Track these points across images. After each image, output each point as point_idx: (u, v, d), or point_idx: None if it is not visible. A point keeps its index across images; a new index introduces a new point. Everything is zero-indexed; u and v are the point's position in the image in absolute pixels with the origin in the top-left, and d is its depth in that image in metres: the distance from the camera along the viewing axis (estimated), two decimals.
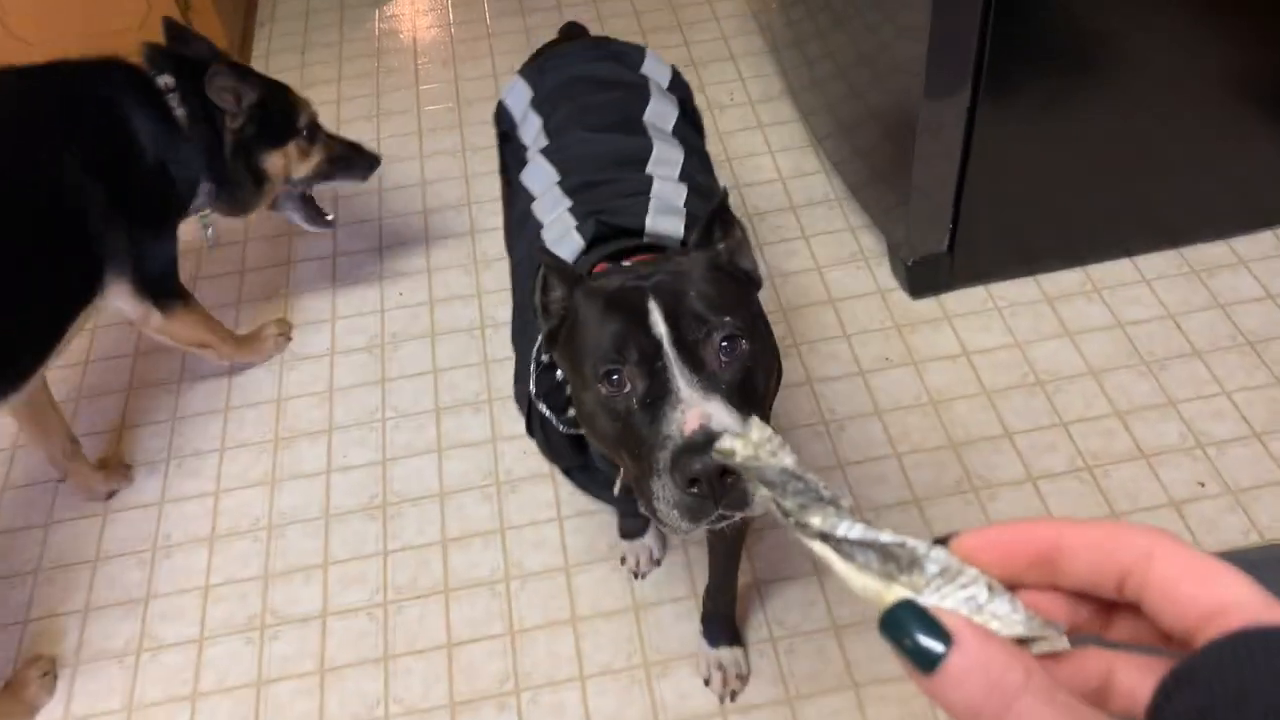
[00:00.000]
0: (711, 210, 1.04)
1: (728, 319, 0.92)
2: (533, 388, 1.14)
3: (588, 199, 1.25)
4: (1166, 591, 0.35)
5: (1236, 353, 1.82)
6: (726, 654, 1.49)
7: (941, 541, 0.39)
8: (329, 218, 1.99)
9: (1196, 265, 1.96)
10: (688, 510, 0.86)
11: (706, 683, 1.49)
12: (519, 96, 1.49)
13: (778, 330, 1.94)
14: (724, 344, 0.91)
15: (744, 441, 0.44)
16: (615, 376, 0.92)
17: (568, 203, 1.25)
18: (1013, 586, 0.38)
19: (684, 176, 1.29)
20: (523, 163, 1.39)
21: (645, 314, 0.92)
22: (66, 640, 1.62)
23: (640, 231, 1.17)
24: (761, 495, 0.43)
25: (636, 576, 1.63)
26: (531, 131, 1.44)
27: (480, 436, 1.83)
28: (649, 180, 1.25)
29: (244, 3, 2.81)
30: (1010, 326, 1.91)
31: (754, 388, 0.93)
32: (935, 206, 1.83)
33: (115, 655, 1.60)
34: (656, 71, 1.51)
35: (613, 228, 1.17)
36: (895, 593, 0.38)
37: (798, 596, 1.58)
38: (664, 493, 0.87)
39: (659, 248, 1.15)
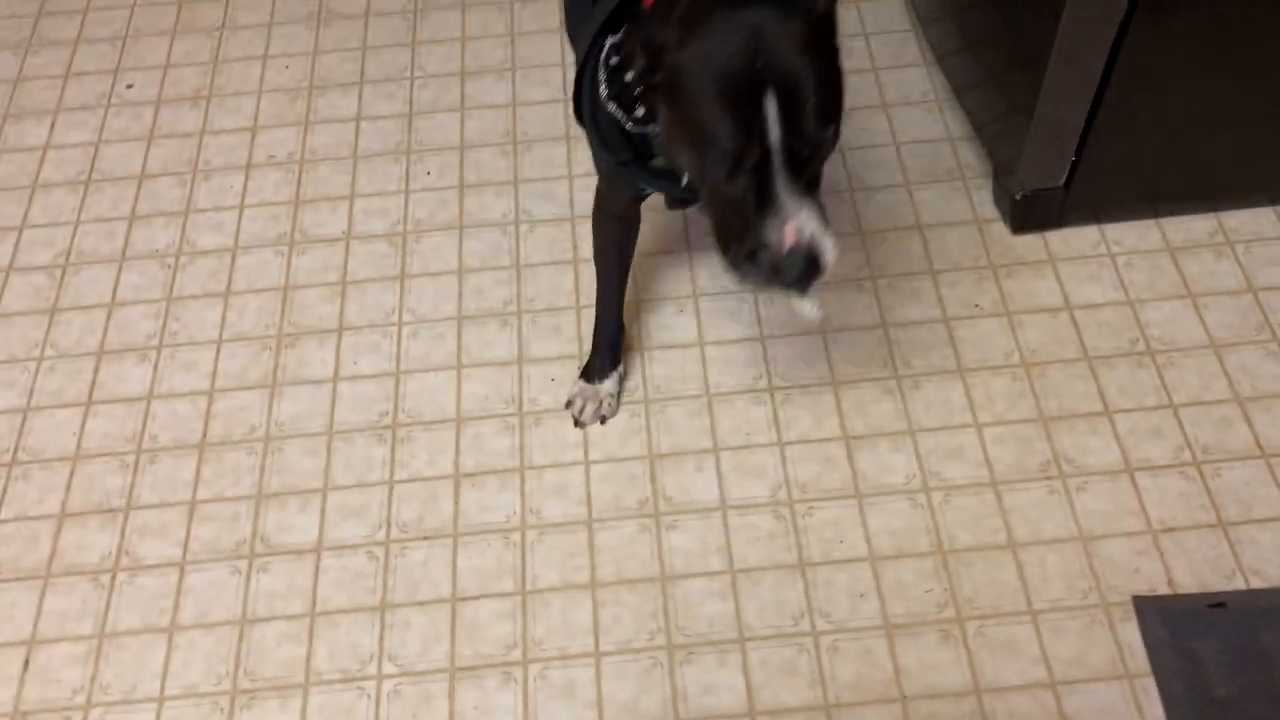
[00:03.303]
0: None
1: (832, 128, 0.97)
2: (604, 90, 1.11)
3: None
4: None
5: None
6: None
7: None
8: None
9: None
10: (756, 280, 1.03)
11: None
12: None
13: (853, 259, 1.69)
14: (820, 150, 0.98)
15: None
16: (731, 175, 0.97)
17: None
18: None
19: None
20: None
21: (762, 117, 0.94)
22: (39, 548, 1.48)
23: None
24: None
25: (576, 424, 1.55)
26: None
27: (506, 355, 1.62)
28: None
29: None
30: (1124, 279, 1.65)
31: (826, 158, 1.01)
32: (1060, 136, 1.54)
33: (90, 571, 1.46)
34: None
35: None
36: None
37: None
38: (743, 264, 1.02)
39: None
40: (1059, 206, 1.65)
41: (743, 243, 0.99)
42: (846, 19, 2.01)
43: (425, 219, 1.78)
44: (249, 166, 1.87)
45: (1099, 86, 1.47)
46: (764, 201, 0.96)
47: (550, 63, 1.98)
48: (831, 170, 1.80)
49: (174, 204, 1.84)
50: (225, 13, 2.11)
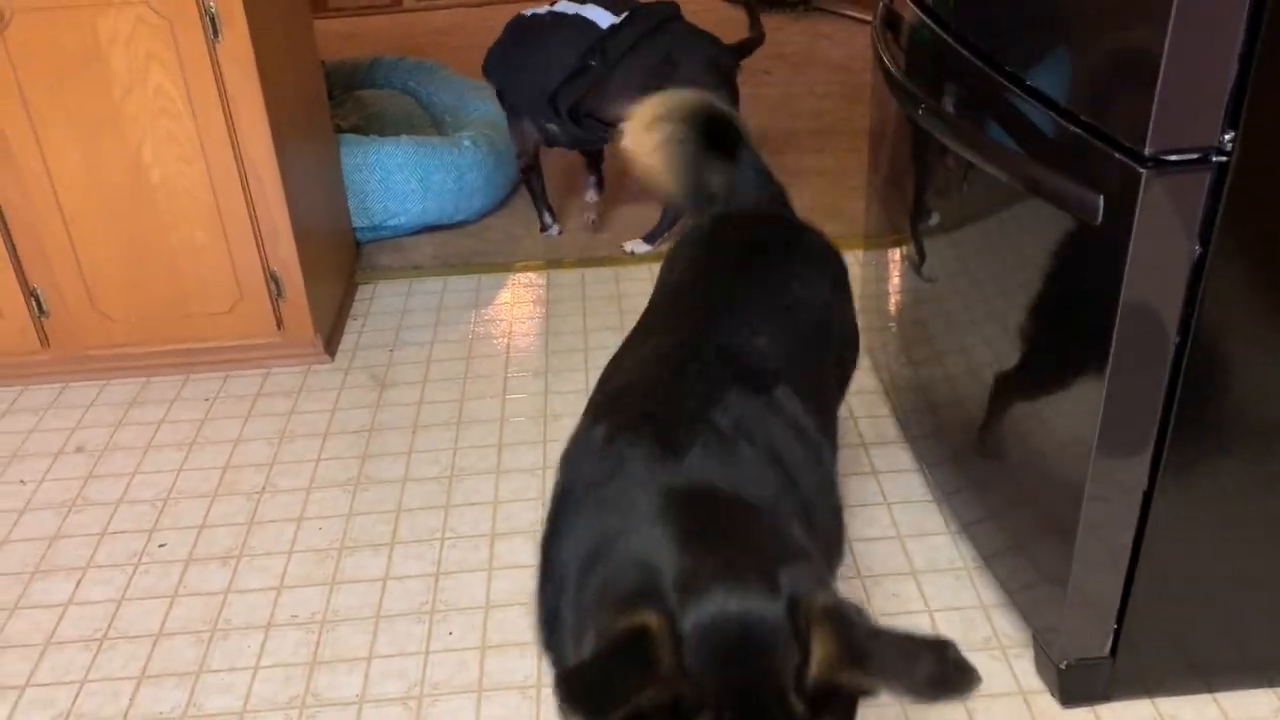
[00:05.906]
0: None
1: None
2: None
3: None
4: None
5: None
6: None
7: None
8: None
9: None
10: None
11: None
12: None
13: None
14: None
15: None
16: None
17: None
18: None
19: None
20: None
21: None
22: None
23: None
24: None
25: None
26: None
27: None
28: None
29: (339, 295, 2.74)
30: None
31: None
32: (1098, 606, 1.52)
33: None
34: None
35: None
36: None
37: None
38: None
39: None
40: (1107, 678, 1.58)
41: None
42: (866, 490, 2.07)
43: (443, 681, 1.71)
44: (269, 626, 1.84)
45: (1131, 557, 1.47)
46: None
47: None
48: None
49: (188, 664, 1.78)
50: (266, 477, 2.19)
